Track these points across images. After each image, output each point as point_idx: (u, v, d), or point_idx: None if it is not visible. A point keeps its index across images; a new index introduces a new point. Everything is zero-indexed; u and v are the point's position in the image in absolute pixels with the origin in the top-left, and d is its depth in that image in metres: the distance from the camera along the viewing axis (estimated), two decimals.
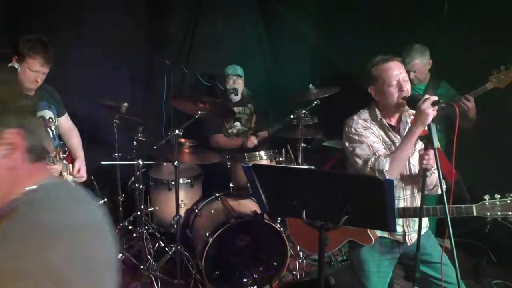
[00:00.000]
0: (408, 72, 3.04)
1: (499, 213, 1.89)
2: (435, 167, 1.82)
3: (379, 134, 2.07)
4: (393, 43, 3.18)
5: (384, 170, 1.92)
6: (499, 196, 1.90)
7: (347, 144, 2.09)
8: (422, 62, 3.05)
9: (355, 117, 2.12)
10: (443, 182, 2.07)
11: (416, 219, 2.06)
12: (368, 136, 2.04)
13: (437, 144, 1.75)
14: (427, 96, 1.85)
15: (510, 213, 1.88)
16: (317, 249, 1.75)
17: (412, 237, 2.11)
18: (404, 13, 3.75)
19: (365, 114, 2.13)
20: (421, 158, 1.88)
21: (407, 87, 2.00)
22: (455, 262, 1.69)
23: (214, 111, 2.98)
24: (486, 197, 1.91)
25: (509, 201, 1.88)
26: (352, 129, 2.07)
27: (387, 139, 2.07)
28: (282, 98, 4.48)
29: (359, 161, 2.02)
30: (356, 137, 2.05)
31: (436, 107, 1.83)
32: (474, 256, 3.43)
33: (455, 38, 3.37)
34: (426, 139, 1.83)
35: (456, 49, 3.36)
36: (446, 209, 1.71)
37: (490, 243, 3.41)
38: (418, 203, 2.09)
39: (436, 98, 1.84)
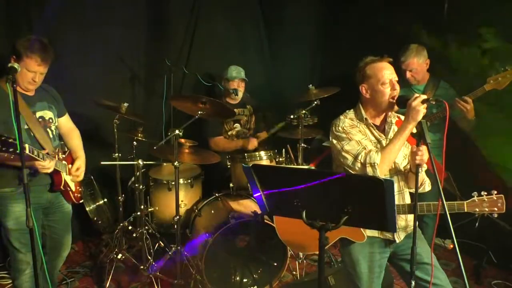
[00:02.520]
0: (404, 71, 3.06)
1: (486, 209, 2.01)
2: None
3: (366, 132, 2.13)
4: (393, 43, 3.19)
5: (376, 164, 1.97)
6: (485, 193, 2.01)
7: (334, 142, 2.14)
8: (418, 61, 3.06)
9: (341, 117, 2.19)
10: (428, 180, 2.15)
11: (404, 216, 2.13)
12: (356, 134, 2.10)
13: (429, 139, 1.83)
14: (416, 94, 1.94)
15: (495, 208, 2.00)
16: (307, 249, 1.74)
17: (400, 235, 2.15)
18: (404, 13, 3.76)
19: (351, 114, 2.20)
20: (414, 154, 1.93)
21: (398, 87, 2.08)
22: (459, 261, 1.70)
23: (214, 111, 2.98)
24: (474, 194, 2.02)
25: (495, 198, 1.99)
26: (339, 128, 2.13)
27: (372, 138, 2.13)
28: (282, 98, 4.48)
29: (349, 157, 2.06)
30: (344, 135, 2.10)
31: (426, 105, 1.91)
32: (474, 256, 3.43)
33: (454, 38, 3.38)
34: (418, 135, 1.91)
35: (455, 49, 3.36)
36: (444, 204, 1.75)
37: (490, 243, 3.41)
38: (406, 199, 2.15)
39: (425, 96, 1.92)
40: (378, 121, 2.18)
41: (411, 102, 1.91)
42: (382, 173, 1.99)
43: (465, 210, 2.01)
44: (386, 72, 2.07)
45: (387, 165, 2.01)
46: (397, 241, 2.13)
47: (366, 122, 2.14)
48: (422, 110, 1.89)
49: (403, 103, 1.98)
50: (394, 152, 1.99)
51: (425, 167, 2.05)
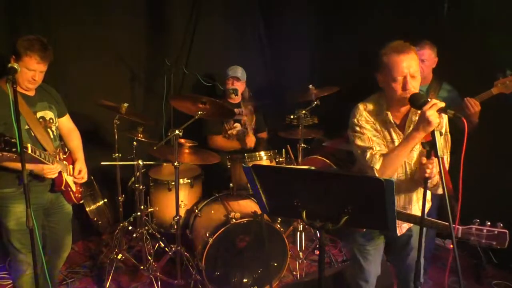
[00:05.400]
0: None
1: (483, 241, 1.83)
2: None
3: (381, 130, 2.05)
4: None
5: (375, 168, 1.93)
6: (489, 223, 1.83)
7: (349, 131, 2.11)
8: (430, 54, 2.94)
9: (360, 107, 2.07)
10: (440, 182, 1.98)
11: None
12: (370, 130, 2.03)
13: (440, 152, 1.69)
14: (434, 101, 1.75)
15: (494, 243, 1.82)
16: None
17: (402, 228, 2.15)
18: (405, 13, 3.75)
19: (370, 105, 2.07)
20: (424, 166, 1.80)
21: (412, 84, 1.90)
22: (456, 264, 1.68)
23: (214, 112, 2.98)
24: (476, 221, 1.85)
25: (496, 232, 1.81)
26: (355, 120, 2.06)
27: (388, 137, 2.05)
28: (282, 98, 4.48)
29: (358, 151, 2.04)
30: (358, 128, 2.04)
31: (442, 114, 1.74)
32: (475, 256, 3.43)
33: (456, 39, 3.35)
34: (430, 145, 1.74)
35: (457, 51, 3.34)
36: (450, 221, 1.68)
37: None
38: (412, 207, 2.11)
39: (443, 104, 1.74)
40: (399, 116, 2.02)
41: (426, 109, 1.72)
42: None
43: (459, 236, 1.85)
44: (401, 66, 1.88)
45: (390, 171, 1.93)
46: (398, 234, 2.16)
47: (385, 118, 2.01)
48: (436, 120, 1.71)
49: (417, 104, 1.80)
50: (396, 162, 1.92)
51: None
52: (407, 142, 1.88)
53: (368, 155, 1.97)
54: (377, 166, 1.93)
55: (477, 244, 1.84)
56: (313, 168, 1.77)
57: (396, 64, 1.89)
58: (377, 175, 1.91)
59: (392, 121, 2.01)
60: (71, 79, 3.53)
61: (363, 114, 2.05)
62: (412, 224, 2.16)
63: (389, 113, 2.01)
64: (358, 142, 2.03)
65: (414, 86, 1.91)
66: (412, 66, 1.90)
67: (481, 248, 3.33)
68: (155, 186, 3.54)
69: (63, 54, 3.22)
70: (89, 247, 3.80)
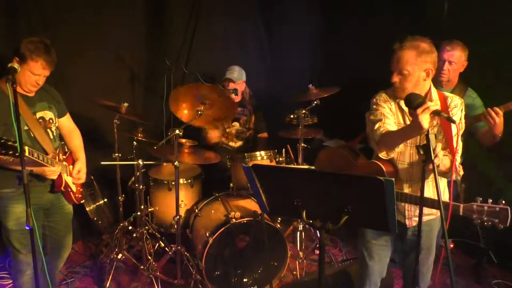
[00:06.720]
0: (443, 63, 2.74)
1: (485, 218, 1.82)
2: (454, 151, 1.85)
3: (396, 112, 2.13)
4: (394, 42, 3.18)
5: (374, 140, 2.04)
6: (491, 201, 1.83)
7: (367, 114, 2.19)
8: (461, 56, 2.77)
9: (381, 92, 2.19)
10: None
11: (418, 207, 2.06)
12: (384, 107, 2.12)
13: (433, 157, 1.70)
14: (428, 104, 1.73)
15: (496, 220, 1.80)
16: None
17: (413, 221, 2.16)
18: (405, 13, 3.75)
19: (391, 91, 2.15)
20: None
21: (397, 79, 2.01)
22: (448, 258, 1.69)
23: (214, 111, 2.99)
24: (478, 199, 1.85)
25: (497, 209, 1.80)
26: (374, 100, 2.17)
27: (401, 120, 2.12)
28: (282, 98, 4.49)
29: (370, 125, 2.12)
30: (375, 106, 2.15)
31: (436, 117, 1.73)
32: (475, 256, 3.43)
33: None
34: (424, 150, 1.74)
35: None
36: (441, 205, 1.71)
37: (491, 243, 3.41)
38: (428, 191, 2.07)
39: (437, 107, 1.74)
40: None
41: (419, 112, 1.71)
42: (380, 152, 2.03)
43: (460, 213, 1.86)
44: (394, 59, 2.00)
45: (386, 148, 2.01)
46: (408, 226, 2.17)
47: (398, 104, 2.10)
48: (427, 124, 1.69)
49: (412, 106, 1.77)
50: (392, 144, 2.00)
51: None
52: (402, 133, 1.97)
53: (376, 126, 2.05)
54: (377, 138, 2.02)
55: (480, 223, 1.84)
56: (313, 168, 1.77)
57: (393, 58, 2.01)
58: (376, 147, 2.02)
59: (405, 108, 2.09)
60: (71, 79, 3.53)
61: (383, 96, 2.16)
62: (423, 220, 2.14)
63: (402, 101, 2.08)
64: (371, 117, 2.12)
65: (398, 82, 2.00)
66: (401, 62, 1.97)
67: (483, 232, 3.30)
68: (155, 186, 3.54)
69: (63, 54, 3.21)
70: (89, 247, 3.80)
